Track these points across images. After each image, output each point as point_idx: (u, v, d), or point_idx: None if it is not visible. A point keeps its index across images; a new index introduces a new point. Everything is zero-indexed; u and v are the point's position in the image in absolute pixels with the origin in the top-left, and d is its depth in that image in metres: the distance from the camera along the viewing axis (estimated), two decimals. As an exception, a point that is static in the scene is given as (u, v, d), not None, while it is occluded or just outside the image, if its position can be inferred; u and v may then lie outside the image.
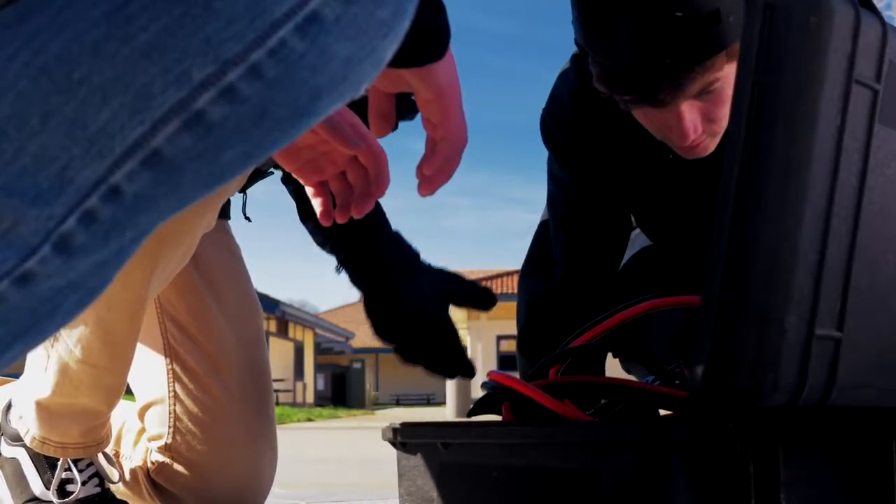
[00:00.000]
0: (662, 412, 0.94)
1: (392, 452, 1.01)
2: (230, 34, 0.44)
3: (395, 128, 0.82)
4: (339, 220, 0.91)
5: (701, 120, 1.20)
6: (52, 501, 1.22)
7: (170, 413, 1.35)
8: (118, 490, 1.37)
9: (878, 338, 0.76)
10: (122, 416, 1.43)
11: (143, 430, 1.41)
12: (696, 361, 0.71)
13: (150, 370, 1.38)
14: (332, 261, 1.45)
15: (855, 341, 0.72)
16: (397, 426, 0.97)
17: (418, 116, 0.78)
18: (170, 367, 1.36)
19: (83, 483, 1.24)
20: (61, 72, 0.42)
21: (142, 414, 1.40)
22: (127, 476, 1.40)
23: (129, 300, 1.11)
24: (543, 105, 1.52)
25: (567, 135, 1.47)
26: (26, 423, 1.23)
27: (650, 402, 0.92)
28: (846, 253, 0.71)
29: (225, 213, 1.46)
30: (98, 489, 1.24)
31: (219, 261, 1.43)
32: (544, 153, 1.55)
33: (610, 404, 0.98)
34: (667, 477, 0.74)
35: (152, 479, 1.38)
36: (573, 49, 1.33)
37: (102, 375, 1.16)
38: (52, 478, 1.23)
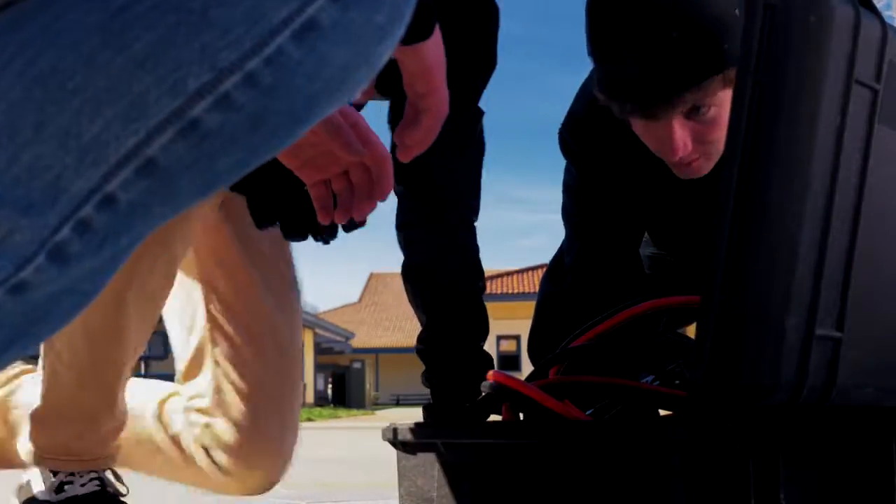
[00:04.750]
0: (662, 412, 0.94)
1: (392, 452, 1.01)
2: (226, 42, 0.44)
3: (372, 96, 0.81)
4: (339, 221, 0.90)
5: (693, 139, 1.24)
6: (49, 501, 1.23)
7: (212, 377, 1.36)
8: (179, 465, 1.37)
9: (878, 338, 0.76)
10: (152, 398, 1.43)
11: (184, 401, 1.40)
12: (696, 361, 0.71)
13: (189, 338, 1.38)
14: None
15: (855, 341, 0.72)
16: (397, 426, 0.97)
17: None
18: (209, 332, 1.36)
19: (82, 485, 1.24)
20: (55, 81, 0.42)
21: (184, 379, 1.40)
22: (190, 450, 1.40)
23: (106, 299, 1.12)
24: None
25: (582, 144, 1.51)
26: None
27: (650, 402, 0.92)
28: (846, 253, 0.71)
29: None
30: (98, 487, 1.24)
31: (264, 237, 1.42)
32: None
33: (610, 404, 0.97)
34: (666, 476, 0.74)
35: (203, 445, 1.38)
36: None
37: (87, 376, 1.17)
38: (53, 479, 1.23)
